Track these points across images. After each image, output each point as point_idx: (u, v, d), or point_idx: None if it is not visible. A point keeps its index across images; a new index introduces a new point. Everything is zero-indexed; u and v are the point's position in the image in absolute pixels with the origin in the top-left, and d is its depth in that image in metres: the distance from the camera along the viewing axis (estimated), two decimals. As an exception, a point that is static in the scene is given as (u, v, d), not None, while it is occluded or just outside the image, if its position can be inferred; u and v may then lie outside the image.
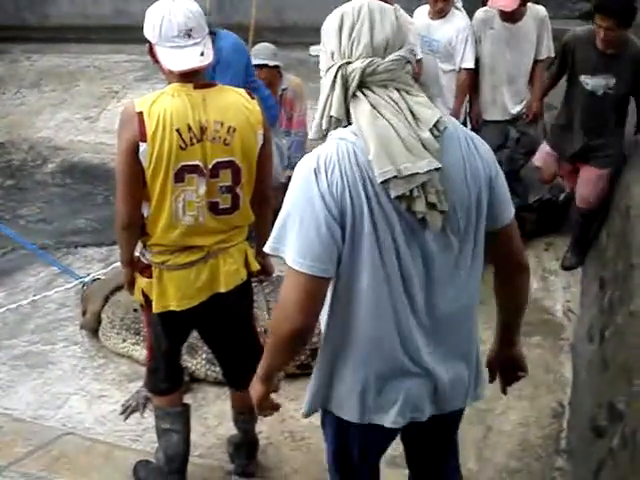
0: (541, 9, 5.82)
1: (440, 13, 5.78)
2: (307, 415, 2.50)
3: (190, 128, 2.99)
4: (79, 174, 7.67)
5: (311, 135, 2.24)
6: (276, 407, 2.59)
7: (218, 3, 8.45)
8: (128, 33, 9.60)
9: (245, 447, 3.88)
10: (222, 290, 3.25)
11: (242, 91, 3.20)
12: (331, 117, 2.15)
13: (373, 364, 2.29)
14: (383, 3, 2.22)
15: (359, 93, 2.12)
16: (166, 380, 3.58)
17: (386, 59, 2.13)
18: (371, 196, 2.09)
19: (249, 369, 3.61)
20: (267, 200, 3.40)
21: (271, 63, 6.00)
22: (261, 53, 6.01)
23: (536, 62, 5.87)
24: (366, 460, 2.60)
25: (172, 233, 3.12)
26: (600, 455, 3.32)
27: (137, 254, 3.32)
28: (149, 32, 3.04)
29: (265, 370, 2.43)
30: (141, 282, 3.29)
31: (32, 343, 5.27)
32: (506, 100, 5.94)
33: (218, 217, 3.17)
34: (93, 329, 5.15)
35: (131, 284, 3.39)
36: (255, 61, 5.93)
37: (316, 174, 2.08)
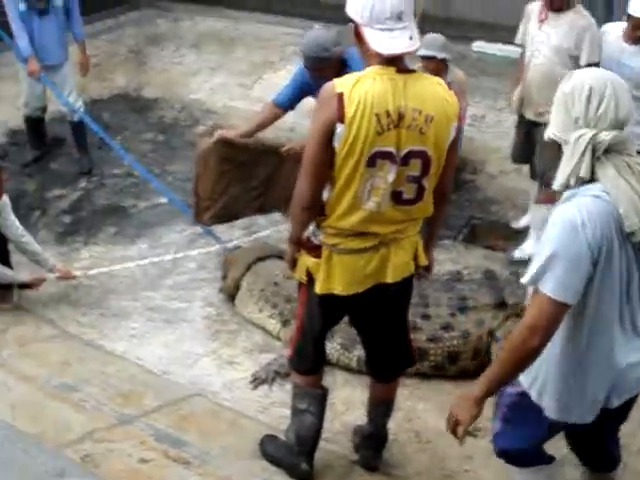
0: None
1: (639, 40, 5.47)
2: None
3: (389, 114, 2.93)
4: (229, 139, 7.73)
5: (556, 187, 2.64)
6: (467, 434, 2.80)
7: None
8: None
9: (373, 440, 3.82)
10: (389, 280, 3.20)
11: (441, 81, 3.13)
12: (578, 177, 2.58)
13: (598, 372, 2.73)
14: (622, 81, 2.67)
15: (603, 158, 2.55)
16: (311, 361, 3.55)
17: (624, 132, 2.56)
18: (620, 240, 2.58)
19: (396, 362, 3.61)
20: (446, 194, 3.32)
21: (440, 55, 5.94)
22: (431, 45, 5.92)
23: None
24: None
25: (351, 217, 3.08)
26: None
27: (306, 233, 3.28)
28: (357, 13, 2.97)
29: (492, 382, 2.71)
30: (307, 261, 3.26)
31: (169, 299, 5.39)
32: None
33: (399, 207, 3.11)
34: (231, 294, 5.21)
35: (293, 261, 3.38)
36: (424, 52, 5.85)
37: (583, 227, 2.52)
